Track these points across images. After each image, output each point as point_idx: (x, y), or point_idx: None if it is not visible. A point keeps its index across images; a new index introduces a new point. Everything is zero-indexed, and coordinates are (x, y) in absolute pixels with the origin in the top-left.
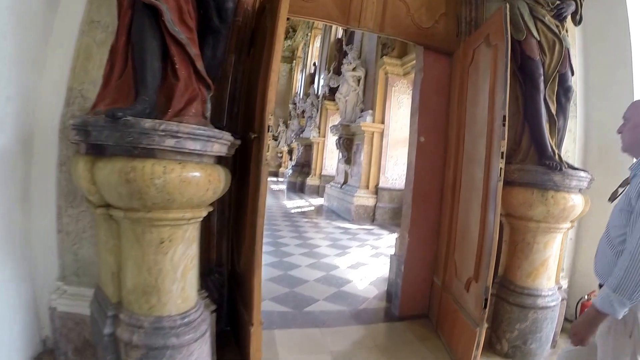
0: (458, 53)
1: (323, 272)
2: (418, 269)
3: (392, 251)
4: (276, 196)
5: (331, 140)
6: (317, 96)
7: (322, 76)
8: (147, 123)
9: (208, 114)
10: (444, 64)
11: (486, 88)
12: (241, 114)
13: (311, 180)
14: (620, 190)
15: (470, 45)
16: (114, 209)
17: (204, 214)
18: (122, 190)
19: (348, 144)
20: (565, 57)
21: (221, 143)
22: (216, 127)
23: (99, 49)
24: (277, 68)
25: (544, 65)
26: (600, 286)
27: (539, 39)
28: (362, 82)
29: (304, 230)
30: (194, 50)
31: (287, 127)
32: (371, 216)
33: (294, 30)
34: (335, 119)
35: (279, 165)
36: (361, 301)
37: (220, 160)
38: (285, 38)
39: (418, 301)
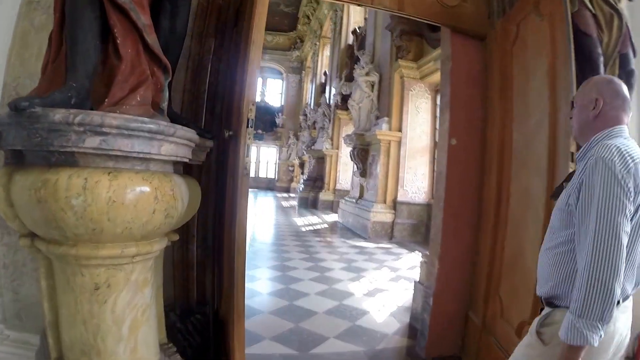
0: (494, 34)
1: (335, 301)
2: (450, 302)
3: (414, 274)
4: (286, 213)
5: (345, 151)
6: (329, 106)
7: (333, 85)
8: (58, 114)
9: (164, 104)
10: (476, 50)
11: (542, 69)
12: (225, 112)
13: (324, 195)
14: (565, 185)
15: (512, 20)
16: (39, 239)
17: (159, 247)
18: (35, 214)
19: (363, 155)
20: (625, 34)
21: (176, 142)
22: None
23: (38, 34)
24: (260, 40)
25: (601, 44)
26: (541, 301)
27: (594, 11)
28: (376, 87)
29: (316, 251)
30: (142, 20)
31: (297, 139)
32: (389, 233)
33: (302, 41)
34: (349, 129)
35: (290, 180)
36: (379, 338)
37: (188, 169)
38: (293, 48)
39: (449, 340)
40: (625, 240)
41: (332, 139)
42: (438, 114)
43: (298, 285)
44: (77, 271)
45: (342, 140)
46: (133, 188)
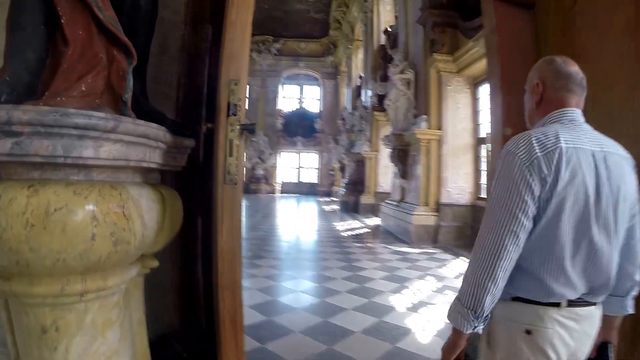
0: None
1: (374, 317)
2: None
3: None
4: (327, 218)
5: (384, 153)
6: (366, 108)
7: (368, 87)
8: None
9: (127, 95)
10: (524, 20)
11: (617, 25)
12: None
13: (365, 199)
14: None
15: None
16: None
17: (119, 281)
18: None
19: (403, 155)
20: None
21: (123, 141)
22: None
23: None
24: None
25: None
26: None
27: None
28: (412, 85)
29: (356, 258)
30: None
31: (337, 143)
32: (433, 237)
33: (335, 46)
34: (387, 131)
35: (332, 184)
36: None
37: (165, 178)
38: (327, 54)
39: None
40: (511, 241)
41: (370, 142)
42: (479, 109)
43: (335, 299)
44: (21, 309)
45: (381, 142)
46: (58, 206)
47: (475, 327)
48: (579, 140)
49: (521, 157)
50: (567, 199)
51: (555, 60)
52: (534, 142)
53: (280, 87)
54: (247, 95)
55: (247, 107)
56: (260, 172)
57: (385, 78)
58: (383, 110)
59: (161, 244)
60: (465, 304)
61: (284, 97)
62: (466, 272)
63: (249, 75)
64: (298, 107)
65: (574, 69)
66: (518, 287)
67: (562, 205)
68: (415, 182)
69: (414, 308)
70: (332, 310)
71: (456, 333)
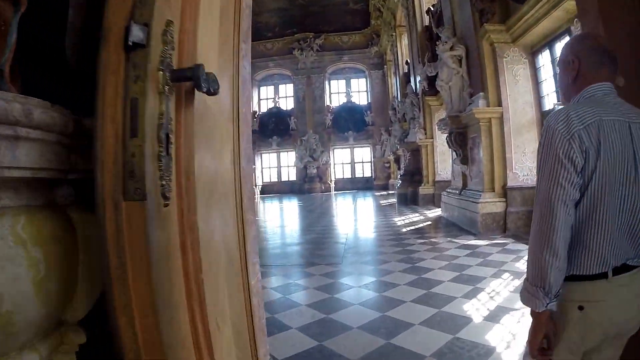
0: None
1: (447, 334)
2: None
3: None
4: (385, 213)
5: (440, 139)
6: (416, 94)
7: (417, 72)
8: None
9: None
10: None
11: None
12: None
13: (424, 189)
14: None
15: None
16: None
17: None
18: None
19: (461, 139)
20: None
21: None
22: None
23: None
24: None
25: None
26: None
27: None
28: (464, 61)
29: (419, 257)
30: None
31: (389, 134)
32: (502, 225)
33: (378, 35)
34: (441, 115)
35: (387, 177)
36: None
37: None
38: (371, 45)
39: None
40: (562, 210)
41: (424, 129)
42: (541, 79)
43: (397, 312)
44: None
45: (436, 128)
46: None
47: (548, 303)
48: (614, 113)
49: (561, 131)
50: (608, 169)
51: (588, 36)
52: (572, 116)
53: (326, 83)
54: (293, 93)
55: (293, 105)
56: (313, 171)
57: (433, 58)
58: (435, 93)
59: (83, 306)
60: (533, 282)
61: (331, 92)
62: (529, 250)
63: (293, 74)
64: (346, 101)
65: (607, 44)
66: (570, 263)
67: (604, 175)
68: (478, 166)
69: (494, 317)
70: (395, 327)
71: (533, 315)
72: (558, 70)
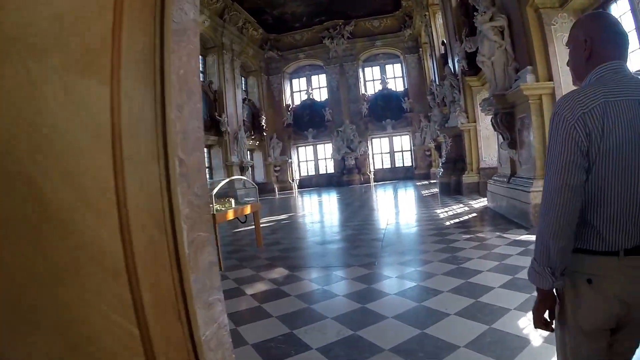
0: None
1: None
2: None
3: None
4: (427, 204)
5: (484, 122)
6: (455, 75)
7: (455, 51)
8: None
9: None
10: None
11: None
12: None
13: (468, 178)
14: None
15: None
16: None
17: None
18: None
19: (508, 120)
20: None
21: None
22: None
23: None
24: None
25: None
26: None
27: None
28: (506, 32)
29: (464, 256)
30: None
31: (429, 121)
32: None
33: (410, 17)
34: (483, 96)
35: (429, 165)
36: None
37: None
38: (404, 27)
39: None
40: (568, 194)
41: (466, 112)
42: None
43: (440, 329)
44: None
45: (479, 110)
46: None
47: (554, 282)
48: (625, 91)
49: (567, 116)
50: (615, 149)
51: (600, 16)
52: (577, 100)
53: (359, 71)
54: (326, 84)
55: (327, 96)
56: (351, 162)
57: (472, 34)
58: (475, 73)
59: None
60: (540, 262)
61: (365, 80)
62: (537, 232)
63: (325, 64)
64: (382, 88)
65: (620, 23)
66: (578, 238)
67: (610, 156)
68: (528, 150)
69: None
70: (436, 350)
71: (540, 292)
72: (569, 50)
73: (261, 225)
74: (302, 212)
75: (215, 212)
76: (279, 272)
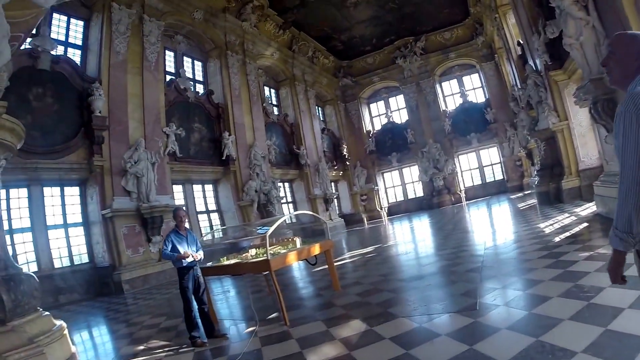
0: None
1: None
2: None
3: None
4: (525, 217)
5: (577, 119)
6: (538, 72)
7: (533, 46)
8: None
9: None
10: None
11: None
12: None
13: (568, 183)
14: None
15: None
16: None
17: None
18: None
19: (610, 107)
20: None
21: None
22: None
23: None
24: None
25: None
26: None
27: None
28: (591, 6)
29: (590, 283)
30: None
31: (515, 128)
32: None
33: (480, 24)
34: (571, 90)
35: (521, 176)
36: None
37: None
38: (475, 35)
39: None
40: None
41: (556, 110)
42: None
43: None
44: None
45: (569, 107)
46: None
47: (635, 245)
48: None
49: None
50: None
51: None
52: None
53: (437, 86)
54: (405, 105)
55: (407, 117)
56: (439, 182)
57: (550, 16)
58: (560, 66)
59: None
60: (623, 229)
61: (444, 96)
62: (617, 204)
63: (401, 85)
64: (462, 102)
65: None
66: None
67: None
68: None
69: None
70: None
71: (617, 253)
72: (614, 57)
73: (345, 261)
74: (390, 243)
75: (270, 257)
76: (354, 328)
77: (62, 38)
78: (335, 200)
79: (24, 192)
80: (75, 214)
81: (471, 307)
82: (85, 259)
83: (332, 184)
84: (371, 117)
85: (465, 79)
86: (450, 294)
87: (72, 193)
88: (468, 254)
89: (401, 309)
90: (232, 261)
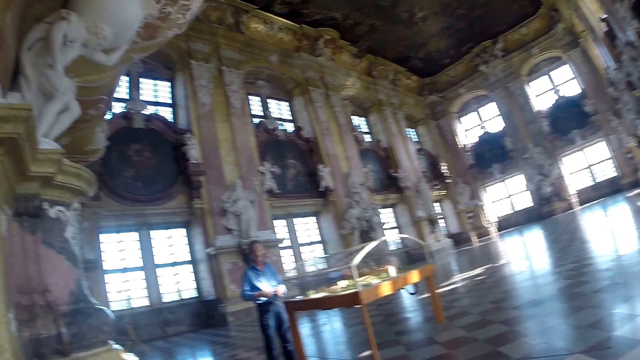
0: None
1: None
2: None
3: None
4: None
5: None
6: (631, 44)
7: (620, 14)
8: None
9: None
10: None
11: None
12: None
13: None
14: None
15: None
16: None
17: None
18: None
19: None
20: None
21: None
22: None
23: None
24: None
25: None
26: None
27: None
28: None
29: None
30: None
31: (619, 116)
32: None
33: (556, 10)
34: None
35: (635, 170)
36: None
37: None
38: (553, 24)
39: None
40: None
41: None
42: None
43: None
44: None
45: None
46: None
47: None
48: None
49: None
50: None
51: None
52: None
53: (525, 87)
54: (497, 112)
55: (502, 124)
56: (547, 189)
57: None
58: None
59: None
60: None
61: (536, 95)
62: None
63: (489, 92)
64: (557, 98)
65: None
66: None
67: None
68: None
69: None
70: None
71: None
72: None
73: (452, 286)
74: (501, 261)
75: (360, 289)
76: None
77: (152, 99)
78: (442, 220)
79: (135, 235)
80: (182, 253)
81: (603, 345)
82: (193, 293)
83: (436, 204)
84: (465, 131)
85: (554, 73)
86: (576, 325)
87: (178, 234)
88: (592, 269)
89: (515, 347)
90: (320, 294)
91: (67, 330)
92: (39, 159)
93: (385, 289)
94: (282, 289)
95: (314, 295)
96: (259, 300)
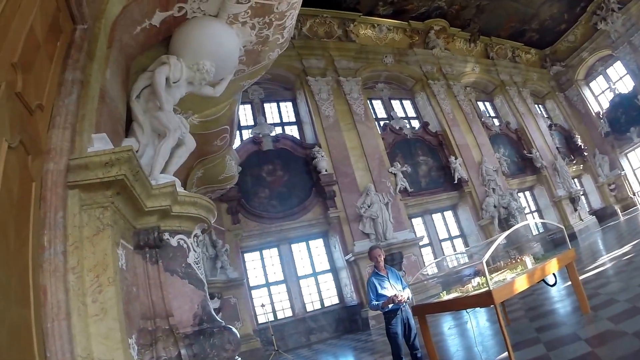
0: None
1: None
2: None
3: None
4: None
5: None
6: None
7: None
8: None
9: None
10: None
11: None
12: None
13: None
14: None
15: None
16: None
17: None
18: None
19: None
20: None
21: None
22: None
23: None
24: None
25: None
26: None
27: None
28: None
29: None
30: None
31: None
32: None
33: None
34: None
35: None
36: None
37: None
38: (599, 19)
39: None
40: None
41: None
42: None
43: None
44: None
45: None
46: None
47: None
48: None
49: None
50: None
51: None
52: None
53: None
54: (626, 70)
55: (633, 83)
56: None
57: None
58: None
59: None
60: None
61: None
62: None
63: (613, 50)
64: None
65: None
66: None
67: None
68: None
69: None
70: None
71: None
72: None
73: (597, 269)
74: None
75: (492, 287)
76: None
77: (277, 120)
78: (582, 197)
79: (275, 251)
80: (322, 262)
81: None
82: (335, 300)
83: (575, 180)
84: (595, 97)
85: (610, 70)
86: None
87: (317, 245)
88: None
89: None
90: (451, 295)
91: (187, 352)
92: (153, 195)
93: (521, 285)
94: (406, 294)
95: (445, 296)
96: (387, 308)
